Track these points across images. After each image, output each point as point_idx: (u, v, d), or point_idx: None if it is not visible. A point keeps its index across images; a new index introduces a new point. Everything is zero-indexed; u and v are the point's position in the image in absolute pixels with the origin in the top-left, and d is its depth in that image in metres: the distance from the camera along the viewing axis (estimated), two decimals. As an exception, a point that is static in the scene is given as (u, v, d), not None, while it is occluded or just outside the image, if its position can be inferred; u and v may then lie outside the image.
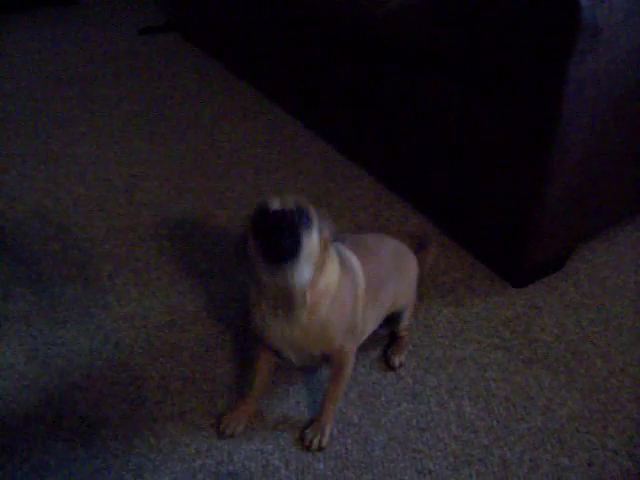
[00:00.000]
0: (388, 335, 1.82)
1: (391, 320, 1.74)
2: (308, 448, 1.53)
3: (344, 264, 1.49)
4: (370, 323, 1.62)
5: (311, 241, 1.30)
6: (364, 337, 1.63)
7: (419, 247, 1.95)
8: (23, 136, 2.91)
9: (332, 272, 1.43)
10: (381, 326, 1.72)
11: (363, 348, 1.69)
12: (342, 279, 1.45)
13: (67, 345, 1.82)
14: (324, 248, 1.37)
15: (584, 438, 1.56)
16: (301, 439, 1.56)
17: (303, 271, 1.31)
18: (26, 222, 2.34)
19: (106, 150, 2.79)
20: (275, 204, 1.30)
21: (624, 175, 1.98)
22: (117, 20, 4.39)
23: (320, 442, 1.53)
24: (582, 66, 1.58)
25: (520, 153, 1.79)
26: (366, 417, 1.62)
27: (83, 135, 2.92)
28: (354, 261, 1.55)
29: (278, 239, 1.26)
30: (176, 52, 3.84)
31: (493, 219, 1.97)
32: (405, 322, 1.76)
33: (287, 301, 1.37)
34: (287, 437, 1.57)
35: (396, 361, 1.75)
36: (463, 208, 2.08)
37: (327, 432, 1.55)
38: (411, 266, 1.77)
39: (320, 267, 1.37)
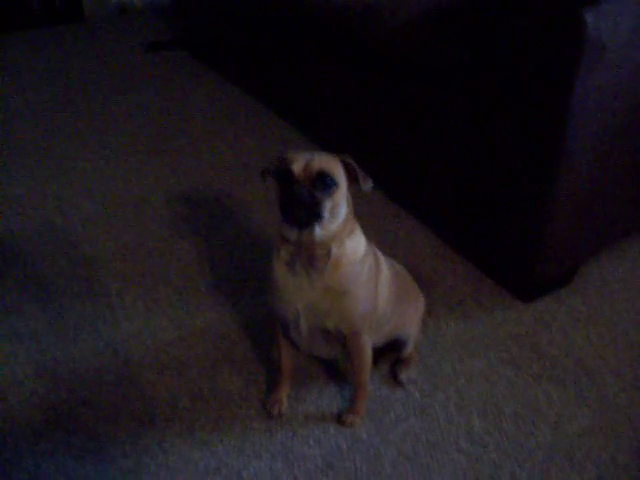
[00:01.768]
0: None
1: (395, 347, 1.74)
2: (342, 423, 1.63)
3: (371, 251, 1.50)
4: (382, 328, 1.62)
5: (332, 201, 1.34)
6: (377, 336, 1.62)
7: None
8: (32, 152, 2.94)
9: (360, 239, 1.46)
10: (386, 352, 1.74)
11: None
12: (367, 258, 1.47)
13: (76, 361, 1.83)
14: (354, 220, 1.45)
15: (594, 454, 1.56)
16: (338, 416, 1.65)
17: (326, 227, 1.36)
18: (35, 238, 2.35)
19: (114, 166, 2.81)
20: (299, 170, 1.32)
21: (631, 189, 1.97)
22: (124, 37, 4.43)
23: (353, 421, 1.63)
24: (588, 81, 1.59)
25: (527, 168, 1.79)
26: (375, 433, 1.62)
27: (91, 152, 2.94)
28: (379, 254, 1.57)
29: (297, 214, 1.32)
30: (182, 68, 3.87)
31: (501, 234, 1.97)
32: (409, 349, 1.75)
33: (309, 253, 1.39)
34: (296, 453, 1.57)
35: (404, 376, 1.74)
36: (471, 223, 2.08)
37: (361, 413, 1.64)
38: (420, 301, 1.79)
39: (350, 228, 1.42)
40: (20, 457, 1.57)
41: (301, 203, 1.31)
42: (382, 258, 1.58)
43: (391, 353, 1.76)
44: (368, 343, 1.55)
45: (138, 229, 2.39)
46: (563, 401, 1.69)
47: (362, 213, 2.36)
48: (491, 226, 2.00)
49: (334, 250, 1.39)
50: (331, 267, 1.40)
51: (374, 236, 2.23)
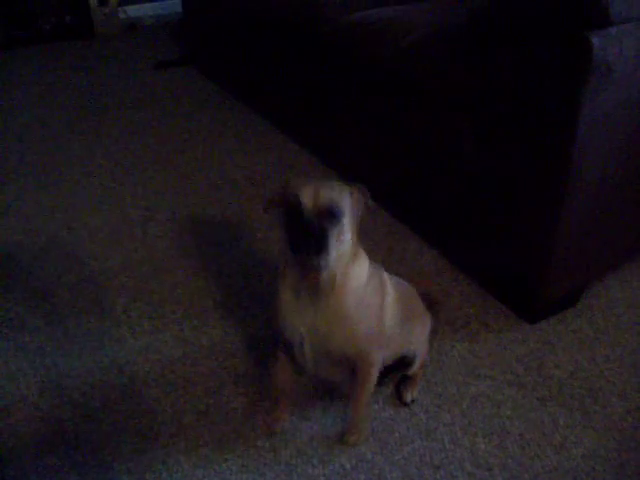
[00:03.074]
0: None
1: (403, 364, 1.74)
2: (346, 443, 1.61)
3: (375, 272, 1.50)
4: (390, 346, 1.62)
5: (341, 230, 1.34)
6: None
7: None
8: (40, 168, 2.95)
9: (363, 264, 1.45)
10: (393, 369, 1.73)
11: (375, 383, 1.69)
12: (372, 280, 1.47)
13: (81, 377, 1.83)
14: (358, 243, 1.43)
15: (600, 477, 1.54)
16: (341, 435, 1.63)
17: (331, 254, 1.34)
18: (42, 253, 2.36)
19: (121, 182, 2.83)
20: (308, 201, 1.31)
21: (637, 211, 1.98)
22: (133, 54, 4.46)
23: (356, 440, 1.62)
24: (594, 104, 1.60)
25: (534, 189, 1.79)
26: (379, 453, 1.61)
27: (99, 168, 2.95)
28: (385, 275, 1.57)
29: (304, 244, 1.31)
30: (190, 85, 3.90)
31: (507, 254, 1.97)
32: (416, 366, 1.75)
33: (313, 280, 1.39)
34: (300, 473, 1.56)
35: (408, 397, 1.74)
36: (477, 243, 2.08)
37: (364, 432, 1.63)
38: (427, 318, 1.79)
39: (353, 254, 1.41)
40: (24, 472, 1.56)
41: (309, 234, 1.30)
42: (387, 279, 1.58)
43: (396, 372, 1.76)
44: (376, 363, 1.54)
45: (145, 245, 2.40)
46: (569, 423, 1.68)
47: (369, 232, 2.38)
48: (497, 247, 2.00)
49: (338, 276, 1.39)
50: (336, 293, 1.40)
51: (380, 256, 2.24)
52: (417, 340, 1.71)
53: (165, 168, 2.94)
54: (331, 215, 1.32)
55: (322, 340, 1.45)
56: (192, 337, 1.96)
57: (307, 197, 1.32)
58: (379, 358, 1.55)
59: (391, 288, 1.57)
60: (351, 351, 1.48)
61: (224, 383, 1.80)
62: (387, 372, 1.73)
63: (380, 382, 1.68)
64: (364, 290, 1.44)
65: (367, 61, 2.34)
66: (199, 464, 1.58)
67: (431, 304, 1.90)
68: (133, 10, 5.00)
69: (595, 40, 1.51)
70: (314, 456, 1.61)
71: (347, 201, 1.37)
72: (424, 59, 2.07)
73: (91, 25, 4.75)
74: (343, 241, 1.36)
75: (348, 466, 1.58)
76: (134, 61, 4.32)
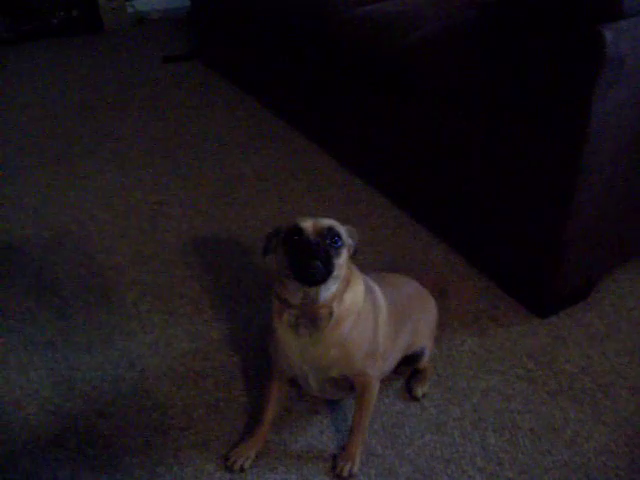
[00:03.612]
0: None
1: (411, 360, 1.74)
2: (339, 476, 1.53)
3: (369, 291, 1.51)
4: (389, 359, 1.62)
5: (340, 259, 1.36)
6: (384, 370, 1.62)
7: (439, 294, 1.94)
8: (49, 163, 2.96)
9: (358, 290, 1.46)
10: (402, 364, 1.73)
11: (386, 378, 1.69)
12: (366, 303, 1.48)
13: (92, 371, 1.84)
14: (350, 265, 1.44)
15: (611, 473, 1.54)
16: (332, 468, 1.56)
17: (329, 288, 1.37)
18: (52, 248, 2.37)
19: (131, 177, 2.83)
20: (309, 226, 1.34)
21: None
22: (142, 48, 4.47)
23: (351, 469, 1.53)
24: (606, 98, 1.59)
25: (544, 184, 1.79)
26: (390, 448, 1.61)
27: (108, 162, 2.96)
28: (377, 290, 1.57)
29: (311, 265, 1.31)
30: (200, 79, 3.90)
31: (517, 249, 1.96)
32: (425, 360, 1.75)
33: (312, 315, 1.40)
34: (311, 467, 1.57)
35: (419, 391, 1.74)
36: (487, 238, 2.08)
37: (357, 459, 1.55)
38: (430, 307, 1.79)
39: (347, 283, 1.42)
40: (36, 465, 1.57)
41: (315, 253, 1.31)
42: (380, 296, 1.57)
43: (407, 366, 1.76)
44: (375, 378, 1.54)
45: (154, 239, 2.40)
46: (580, 418, 1.68)
47: (379, 227, 2.38)
48: (508, 241, 1.99)
49: (335, 309, 1.40)
50: (333, 324, 1.41)
51: (390, 250, 2.24)
52: (423, 335, 1.72)
53: (174, 162, 2.94)
54: (331, 234, 1.34)
55: (323, 370, 1.47)
56: (202, 331, 1.97)
57: (306, 222, 1.35)
58: (376, 371, 1.54)
59: (384, 303, 1.57)
60: (349, 372, 1.48)
61: (234, 377, 1.81)
62: (395, 369, 1.73)
63: (391, 376, 1.68)
64: (359, 315, 1.45)
65: (374, 56, 2.33)
66: (210, 458, 1.58)
67: (441, 299, 1.90)
68: (141, 4, 5.00)
69: (608, 34, 1.50)
70: (324, 450, 1.61)
71: (343, 229, 1.40)
72: (431, 55, 2.06)
73: (99, 19, 4.76)
74: (340, 274, 1.38)
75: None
76: (142, 55, 4.32)
